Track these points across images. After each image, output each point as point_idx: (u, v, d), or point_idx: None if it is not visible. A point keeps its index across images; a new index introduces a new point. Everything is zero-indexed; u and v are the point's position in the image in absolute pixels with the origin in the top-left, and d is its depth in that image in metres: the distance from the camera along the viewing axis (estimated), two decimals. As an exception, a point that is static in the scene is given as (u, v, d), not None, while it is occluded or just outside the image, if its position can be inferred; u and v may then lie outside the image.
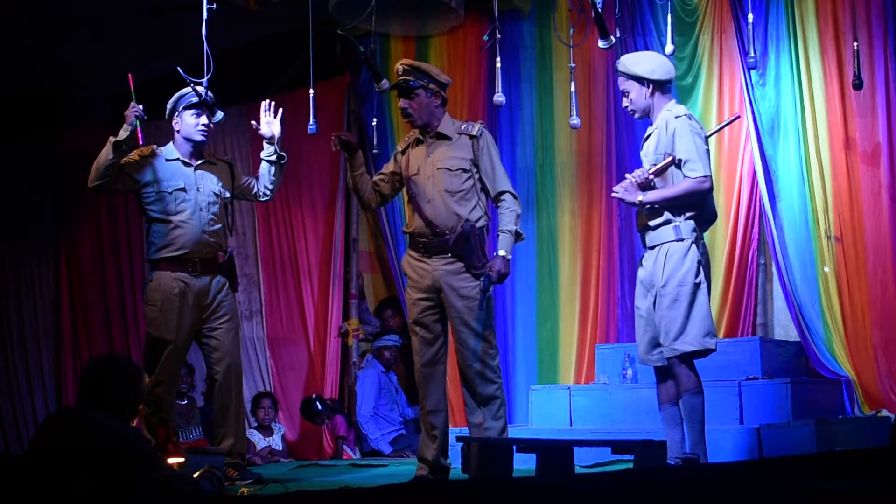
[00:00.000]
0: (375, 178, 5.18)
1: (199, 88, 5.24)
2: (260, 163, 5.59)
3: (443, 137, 4.97)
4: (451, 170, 4.90)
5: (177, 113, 5.35)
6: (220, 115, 5.36)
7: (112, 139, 5.09)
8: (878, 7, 5.87)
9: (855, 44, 5.42)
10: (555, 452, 4.24)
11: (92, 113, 8.59)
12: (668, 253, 4.48)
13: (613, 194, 4.63)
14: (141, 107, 5.13)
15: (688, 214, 4.50)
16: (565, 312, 6.97)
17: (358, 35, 6.08)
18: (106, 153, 5.12)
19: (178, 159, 5.34)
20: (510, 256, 4.86)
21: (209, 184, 5.36)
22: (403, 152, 5.09)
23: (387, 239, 7.68)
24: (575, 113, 5.65)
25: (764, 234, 6.25)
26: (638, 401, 5.90)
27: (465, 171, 4.91)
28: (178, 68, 5.14)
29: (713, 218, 4.69)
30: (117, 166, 5.17)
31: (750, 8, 5.45)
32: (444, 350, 5.00)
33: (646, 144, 4.68)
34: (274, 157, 5.50)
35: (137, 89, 5.24)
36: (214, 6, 5.14)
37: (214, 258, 5.33)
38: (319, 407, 7.35)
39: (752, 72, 6.08)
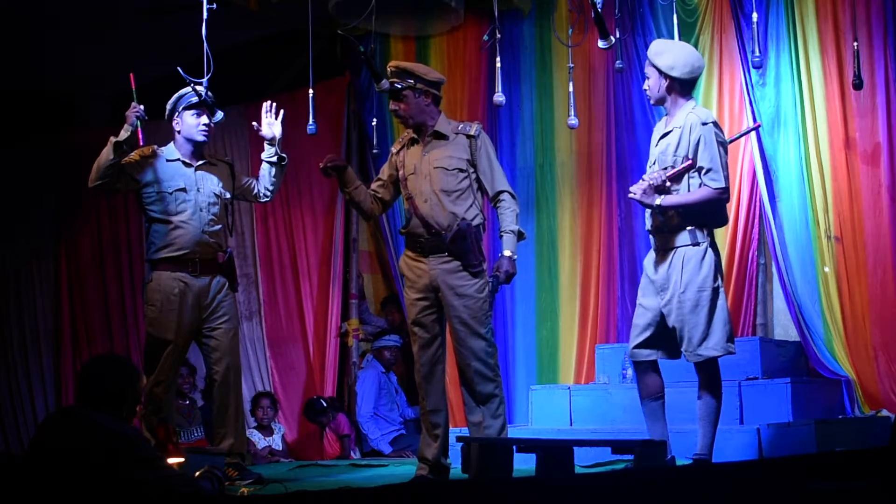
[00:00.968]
0: (373, 185, 5.15)
1: (199, 88, 5.24)
2: (260, 163, 5.59)
3: (440, 137, 4.96)
4: (447, 169, 4.89)
5: (177, 113, 5.34)
6: (220, 115, 5.36)
7: (113, 139, 5.09)
8: (878, 7, 5.87)
9: (855, 44, 5.43)
10: (555, 452, 4.24)
11: (92, 113, 8.58)
12: (684, 257, 4.50)
13: (631, 195, 4.62)
14: (142, 107, 5.13)
15: (703, 219, 4.52)
16: (565, 312, 6.97)
17: (358, 35, 6.07)
18: (106, 153, 5.12)
19: (178, 160, 5.33)
20: (516, 256, 4.88)
21: (209, 184, 5.36)
22: (398, 153, 5.09)
23: (386, 239, 7.67)
24: (573, 113, 5.64)
25: (764, 234, 6.25)
26: (638, 401, 5.88)
27: (461, 170, 4.90)
28: (178, 68, 5.14)
29: (725, 223, 4.74)
30: (118, 166, 5.16)
31: (754, 7, 5.46)
32: (443, 349, 4.99)
33: (662, 141, 4.63)
34: (275, 159, 5.50)
35: (138, 89, 5.24)
36: (214, 6, 5.14)
37: (214, 258, 5.33)
38: (324, 404, 7.35)
39: (753, 71, 6.09)
